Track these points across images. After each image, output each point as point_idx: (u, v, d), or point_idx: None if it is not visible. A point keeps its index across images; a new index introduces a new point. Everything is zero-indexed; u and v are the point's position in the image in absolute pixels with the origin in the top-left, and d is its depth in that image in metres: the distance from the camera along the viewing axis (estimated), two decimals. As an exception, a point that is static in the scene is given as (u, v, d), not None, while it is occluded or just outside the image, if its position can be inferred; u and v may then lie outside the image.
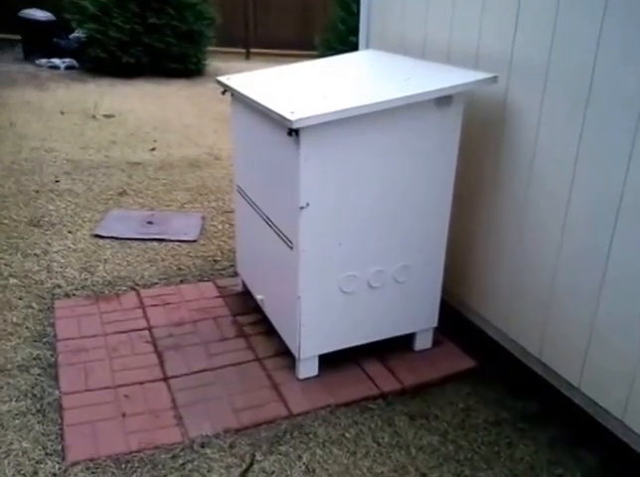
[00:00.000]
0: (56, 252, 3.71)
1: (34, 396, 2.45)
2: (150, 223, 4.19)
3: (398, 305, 2.66)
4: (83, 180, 4.91)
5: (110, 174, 5.09)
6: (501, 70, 2.48)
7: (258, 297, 2.96)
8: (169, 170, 5.26)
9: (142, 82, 8.89)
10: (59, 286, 3.34)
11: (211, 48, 10.30)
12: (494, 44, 2.54)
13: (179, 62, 9.45)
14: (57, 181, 4.84)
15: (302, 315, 2.49)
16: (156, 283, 3.45)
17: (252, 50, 13.10)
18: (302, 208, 2.31)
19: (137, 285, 3.41)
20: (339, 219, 2.40)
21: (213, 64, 10.51)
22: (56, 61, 9.46)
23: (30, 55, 9.75)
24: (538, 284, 2.45)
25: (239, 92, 2.65)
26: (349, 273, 2.52)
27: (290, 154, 2.30)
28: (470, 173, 2.70)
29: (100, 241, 3.89)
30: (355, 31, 4.07)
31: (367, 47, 3.59)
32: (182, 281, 3.48)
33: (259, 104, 2.39)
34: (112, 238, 3.94)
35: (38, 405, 2.40)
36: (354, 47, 3.78)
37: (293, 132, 2.19)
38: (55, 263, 3.57)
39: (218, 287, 3.43)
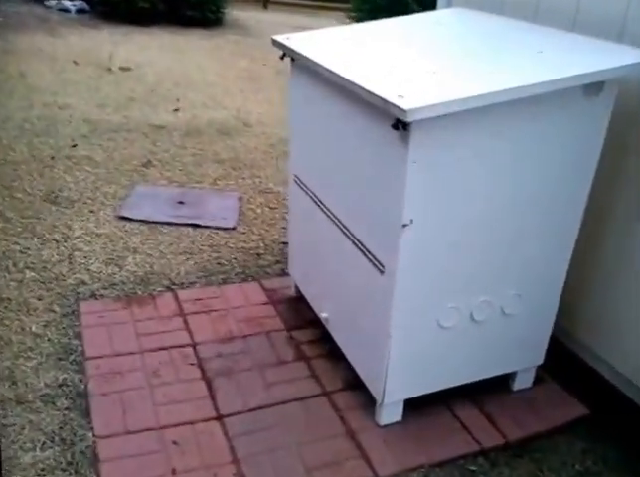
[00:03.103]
0: (77, 238, 3.22)
1: (62, 441, 2.01)
2: (181, 203, 3.69)
3: (502, 341, 2.20)
4: (103, 146, 4.38)
5: (132, 139, 4.55)
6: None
7: (323, 315, 2.50)
8: (197, 137, 4.73)
9: (158, 31, 8.23)
10: (83, 283, 2.86)
11: (229, -5, 9.58)
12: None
13: (196, 9, 8.76)
14: (73, 145, 4.31)
15: (391, 355, 2.03)
16: (195, 283, 2.97)
17: (272, -1, 12.33)
18: (405, 225, 1.82)
19: (174, 285, 2.94)
20: (446, 238, 1.92)
21: (231, 13, 9.80)
22: (66, 3, 8.76)
23: (37, -6, 9.03)
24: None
25: (311, 61, 2.11)
26: (451, 305, 2.05)
27: (392, 154, 1.79)
28: (601, 181, 2.18)
29: (128, 225, 3.40)
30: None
31: (448, 4, 3.01)
32: (224, 281, 3.01)
33: (347, 81, 1.86)
34: (141, 220, 3.44)
35: (68, 456, 1.95)
36: (403, 1, 3.18)
37: (400, 125, 1.68)
38: (77, 253, 3.09)
39: (265, 290, 2.96)
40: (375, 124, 1.85)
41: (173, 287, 2.92)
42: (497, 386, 2.34)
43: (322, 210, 2.34)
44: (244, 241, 3.38)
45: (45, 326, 2.54)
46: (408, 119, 1.61)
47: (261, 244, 3.37)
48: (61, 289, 2.79)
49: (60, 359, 2.37)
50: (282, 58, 2.38)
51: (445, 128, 1.71)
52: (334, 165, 2.21)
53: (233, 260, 3.19)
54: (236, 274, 3.08)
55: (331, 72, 1.95)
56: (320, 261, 2.48)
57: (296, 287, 2.88)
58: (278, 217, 3.67)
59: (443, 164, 1.78)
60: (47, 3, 8.78)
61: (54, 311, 2.65)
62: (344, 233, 2.18)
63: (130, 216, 3.46)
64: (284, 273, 3.10)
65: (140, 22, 8.33)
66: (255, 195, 3.92)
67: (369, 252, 2.03)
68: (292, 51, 2.26)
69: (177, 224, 3.46)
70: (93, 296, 2.78)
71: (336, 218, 2.23)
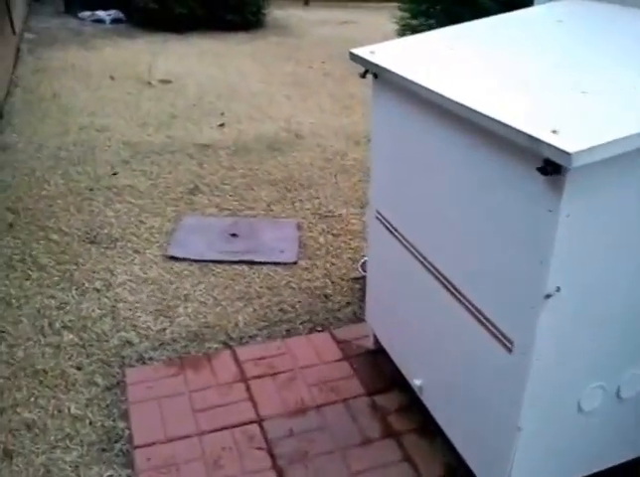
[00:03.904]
0: (121, 285, 2.84)
1: None
2: (234, 235, 3.29)
3: (652, 421, 1.72)
4: (146, 171, 4.01)
5: (177, 162, 4.18)
6: None
7: (415, 382, 2.04)
8: (245, 155, 4.32)
9: (197, 38, 7.88)
10: (129, 343, 2.48)
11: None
12: None
13: (236, 12, 8.37)
14: (114, 173, 3.96)
15: (519, 450, 1.57)
16: (255, 335, 2.56)
17: (311, -6, 11.89)
18: (549, 296, 1.36)
19: (232, 339, 2.53)
20: (597, 307, 1.46)
21: (271, 12, 9.38)
22: (100, 13, 8.49)
23: (71, 6, 8.80)
24: None
25: (411, 82, 1.66)
26: (595, 385, 1.59)
27: (534, 204, 1.34)
28: None
29: (176, 265, 3.01)
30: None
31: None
32: (288, 332, 2.59)
33: (470, 110, 1.41)
34: (191, 260, 3.05)
35: None
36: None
37: (550, 168, 1.22)
38: (121, 304, 2.71)
39: (337, 342, 2.53)
40: (508, 164, 1.40)
41: (231, 343, 2.51)
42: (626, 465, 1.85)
43: (418, 260, 1.89)
44: (308, 280, 2.95)
45: (86, 405, 2.17)
46: (573, 164, 1.15)
47: (328, 282, 2.94)
48: (103, 354, 2.41)
49: (104, 450, 1.99)
50: (364, 76, 1.93)
51: (608, 172, 1.24)
52: (440, 211, 1.75)
53: (297, 305, 2.77)
54: (301, 323, 2.65)
55: (443, 97, 1.50)
56: (412, 318, 2.03)
57: (375, 338, 2.44)
58: (344, 246, 3.23)
59: (602, 216, 1.32)
60: (80, 15, 8.53)
61: (96, 384, 2.27)
62: (453, 295, 1.72)
63: (179, 255, 3.07)
64: (357, 318, 2.67)
65: (178, 29, 8.00)
66: (316, 220, 3.49)
67: (491, 323, 1.57)
68: (382, 69, 1.81)
69: (231, 262, 3.06)
70: (141, 360, 2.40)
71: (441, 275, 1.78)
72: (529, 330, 1.42)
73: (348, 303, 2.81)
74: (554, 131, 1.23)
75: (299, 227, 3.41)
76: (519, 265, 1.43)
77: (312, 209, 3.62)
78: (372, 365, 2.40)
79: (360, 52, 1.89)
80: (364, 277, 2.90)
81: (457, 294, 1.69)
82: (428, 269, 1.83)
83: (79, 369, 2.34)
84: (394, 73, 1.72)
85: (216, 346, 2.49)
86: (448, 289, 1.73)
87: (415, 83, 1.61)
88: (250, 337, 2.56)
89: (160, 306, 2.71)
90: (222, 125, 4.90)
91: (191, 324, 2.61)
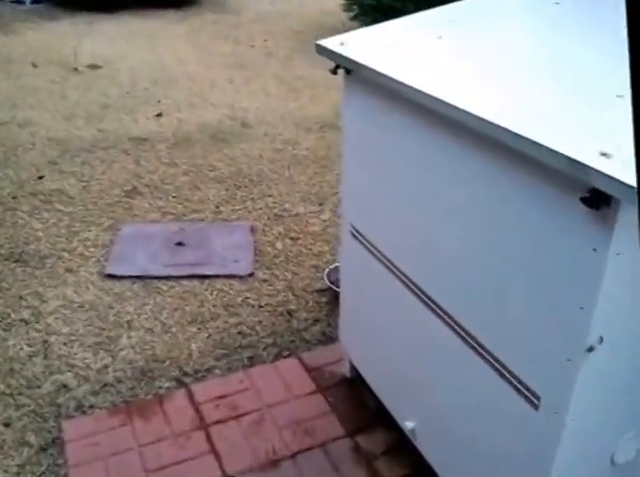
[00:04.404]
0: (53, 313, 2.47)
1: None
2: (181, 244, 2.93)
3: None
4: (76, 172, 3.59)
5: (111, 160, 3.76)
6: None
7: (407, 425, 1.77)
8: (187, 148, 3.94)
9: (127, 17, 7.31)
10: (65, 387, 2.12)
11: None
12: None
13: (167, -12, 7.80)
14: (40, 177, 3.52)
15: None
16: (214, 367, 2.25)
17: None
18: (591, 349, 1.09)
19: (185, 375, 2.21)
20: (637, 353, 1.20)
21: (205, -13, 8.84)
22: (18, -8, 7.78)
23: (-14, -15, 8.04)
24: None
25: (399, 83, 1.35)
26: (629, 435, 1.34)
27: (573, 240, 1.06)
28: None
29: (116, 285, 2.64)
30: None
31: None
32: (251, 359, 2.29)
33: (490, 124, 1.12)
34: (133, 277, 2.69)
35: None
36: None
37: (595, 197, 0.95)
38: (54, 337, 2.34)
39: (308, 370, 2.24)
40: (540, 192, 1.11)
41: (185, 379, 2.18)
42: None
43: (408, 288, 1.60)
44: (268, 294, 2.64)
45: (17, 474, 1.81)
46: (631, 196, 0.86)
47: (291, 296, 2.63)
48: (35, 403, 2.05)
49: (40, 535, 1.64)
50: (335, 72, 1.60)
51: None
52: (442, 241, 1.46)
53: (258, 325, 2.45)
54: (265, 347, 2.34)
55: (448, 106, 1.19)
56: (400, 350, 1.75)
57: (351, 364, 2.15)
58: (305, 252, 2.92)
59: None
60: (-2, -5, 7.82)
61: (28, 444, 1.91)
62: (459, 334, 1.44)
63: (119, 272, 2.70)
64: (327, 337, 2.39)
65: (105, 8, 7.40)
66: (271, 222, 3.16)
67: (510, 374, 1.30)
68: (360, 65, 1.48)
69: (179, 277, 2.71)
70: (80, 408, 2.05)
71: (442, 310, 1.49)
72: (563, 387, 1.16)
73: (315, 320, 2.51)
74: (603, 154, 0.94)
75: (253, 230, 3.07)
76: (551, 312, 1.15)
77: (266, 208, 3.28)
78: (350, 397, 2.11)
79: (328, 43, 1.56)
80: (330, 289, 2.60)
81: (466, 336, 1.41)
82: (423, 300, 1.54)
83: (6, 425, 1.97)
84: (376, 71, 1.40)
85: (167, 385, 2.16)
86: (453, 328, 1.45)
87: (409, 87, 1.30)
88: (208, 370, 2.23)
89: (100, 338, 2.35)
90: (159, 115, 4.48)
91: (136, 358, 2.26)
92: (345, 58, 1.50)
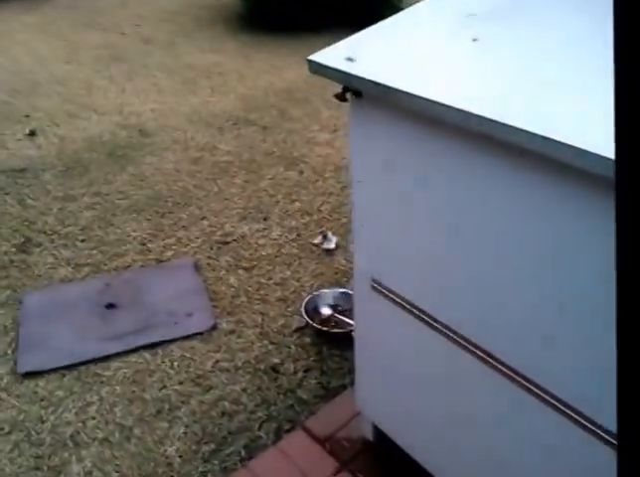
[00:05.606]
0: (-38, 448, 1.79)
1: None
2: (112, 306, 2.30)
3: None
4: (-54, 230, 2.81)
5: (-14, 204, 3.00)
6: None
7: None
8: (82, 174, 3.23)
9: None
10: None
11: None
12: None
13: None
14: None
15: None
16: (204, 474, 1.69)
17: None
18: None
19: (173, 499, 1.63)
20: None
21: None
22: None
23: None
24: None
25: (453, 109, 0.90)
26: None
27: None
28: None
29: (39, 385, 2.00)
30: None
31: None
32: (247, 448, 1.76)
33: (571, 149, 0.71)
34: (60, 368, 2.04)
35: None
36: None
37: None
38: (-27, 487, 1.68)
39: (320, 442, 1.74)
40: None
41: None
42: None
43: (450, 339, 1.19)
44: (242, 349, 2.10)
45: None
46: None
47: (269, 345, 2.11)
48: None
49: None
50: (342, 98, 1.07)
51: None
52: (495, 283, 1.01)
53: (242, 397, 1.92)
54: (260, 425, 1.82)
55: (516, 130, 0.74)
56: (445, 410, 1.31)
57: (375, 427, 1.67)
58: (265, 283, 2.39)
59: None
60: None
61: None
62: (523, 386, 1.00)
63: (38, 366, 2.05)
64: (325, 389, 1.91)
65: None
66: (215, 252, 2.58)
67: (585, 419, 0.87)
68: (388, 89, 0.97)
69: (122, 353, 2.09)
70: None
71: (501, 364, 1.04)
72: None
73: (306, 371, 2.01)
74: None
75: (197, 267, 2.48)
76: None
77: (203, 235, 2.69)
78: (384, 468, 1.63)
79: (329, 61, 1.02)
80: (309, 325, 2.11)
81: (527, 384, 1.00)
82: (467, 348, 1.17)
83: None
84: (414, 95, 0.91)
85: (153, 522, 1.58)
86: (517, 381, 1.02)
87: (466, 113, 0.84)
88: (199, 483, 1.67)
89: (41, 473, 1.72)
90: (32, 133, 3.69)
91: (99, 491, 1.66)
92: (364, 80, 0.99)
